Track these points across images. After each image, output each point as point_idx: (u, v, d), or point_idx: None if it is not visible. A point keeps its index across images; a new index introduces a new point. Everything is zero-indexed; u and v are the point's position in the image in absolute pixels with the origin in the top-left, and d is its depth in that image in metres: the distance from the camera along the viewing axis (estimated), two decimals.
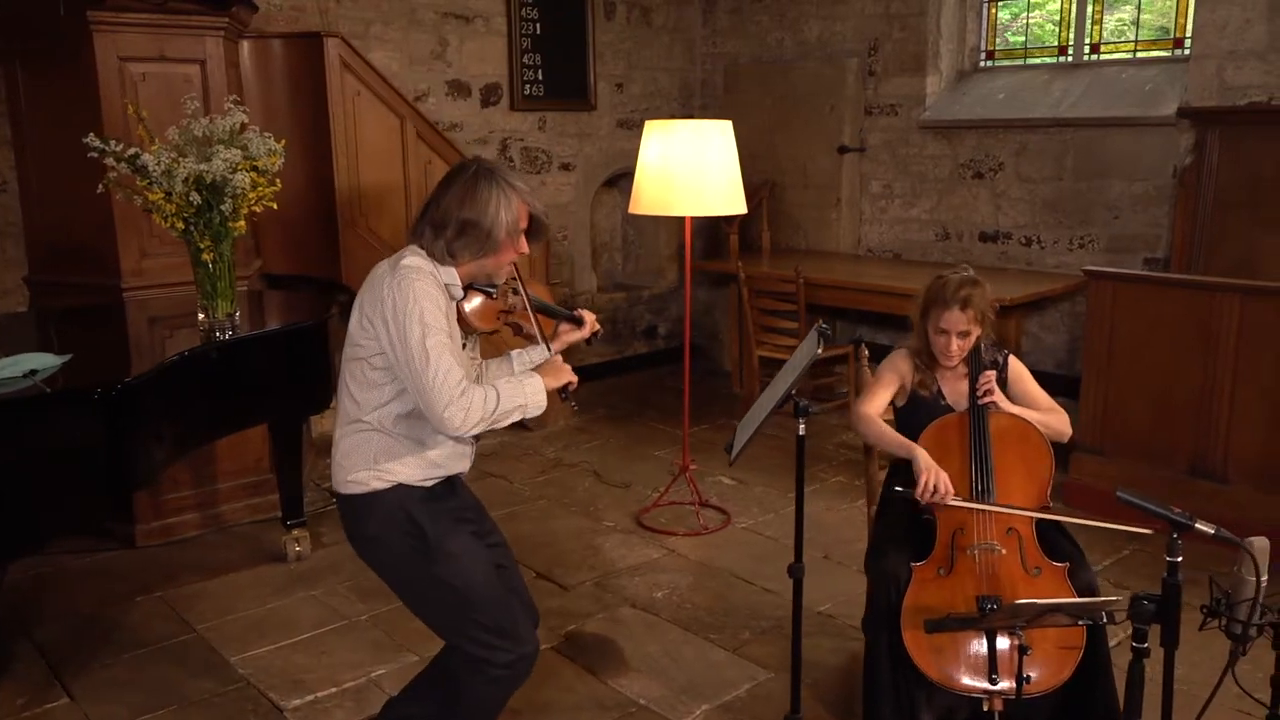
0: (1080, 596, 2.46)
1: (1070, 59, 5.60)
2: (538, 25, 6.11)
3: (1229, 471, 3.88)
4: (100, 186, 3.15)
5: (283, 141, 3.37)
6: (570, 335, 2.52)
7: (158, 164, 3.03)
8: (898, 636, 2.49)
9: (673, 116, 6.76)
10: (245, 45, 4.44)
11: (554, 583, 3.71)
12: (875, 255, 6.26)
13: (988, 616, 2.23)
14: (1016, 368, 2.81)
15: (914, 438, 2.67)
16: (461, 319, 2.29)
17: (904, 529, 2.68)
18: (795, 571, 2.20)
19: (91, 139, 3.07)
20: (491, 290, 2.32)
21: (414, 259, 2.17)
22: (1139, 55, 5.35)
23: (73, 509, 2.69)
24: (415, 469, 2.22)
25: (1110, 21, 5.47)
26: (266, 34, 4.63)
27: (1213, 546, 1.97)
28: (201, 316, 3.30)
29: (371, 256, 3.84)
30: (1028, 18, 5.81)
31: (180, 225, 3.13)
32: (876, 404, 2.77)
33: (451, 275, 2.21)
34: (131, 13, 3.78)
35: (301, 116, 4.57)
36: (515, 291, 2.39)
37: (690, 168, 4.04)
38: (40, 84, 3.95)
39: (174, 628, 3.37)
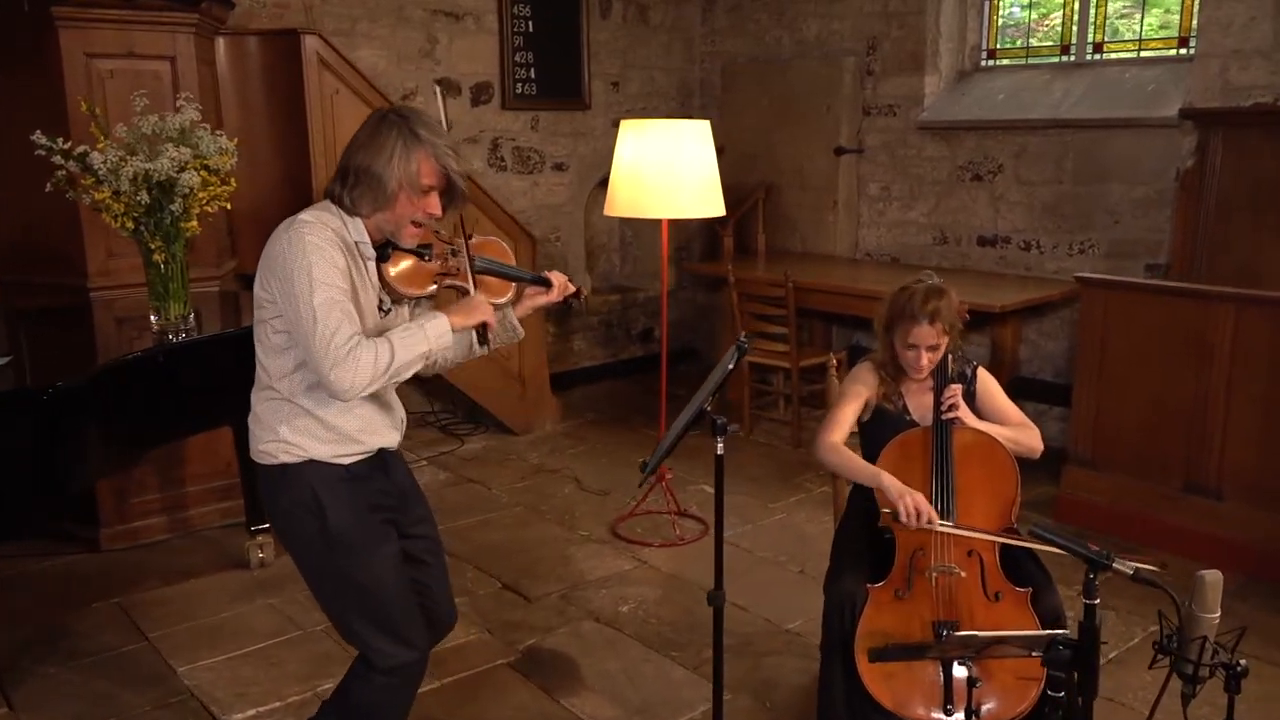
0: (1044, 623, 2.33)
1: (1073, 58, 5.43)
2: (530, 23, 6.01)
3: (1223, 486, 3.72)
4: (49, 185, 3.07)
5: (234, 140, 3.29)
6: (537, 299, 2.29)
7: (104, 162, 2.96)
8: (853, 661, 2.37)
9: (671, 116, 6.64)
10: (221, 42, 4.36)
11: (519, 594, 3.61)
12: (873, 259, 6.12)
13: (934, 647, 2.12)
14: (985, 381, 2.68)
15: (878, 451, 2.55)
16: (383, 281, 2.11)
17: (864, 547, 2.56)
18: (714, 599, 2.07)
19: (38, 136, 3.00)
20: (424, 252, 2.12)
21: (313, 213, 2.03)
22: (1143, 55, 5.19)
23: (8, 512, 2.63)
24: (329, 444, 2.08)
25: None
26: (243, 31, 4.55)
27: (1183, 576, 1.84)
28: (154, 318, 3.23)
29: None
30: (1029, 23, 5.65)
31: (130, 225, 3.07)
32: (841, 431, 2.60)
33: (360, 230, 2.05)
34: (98, 8, 3.72)
35: (278, 115, 4.49)
36: (455, 253, 2.17)
37: (663, 169, 3.94)
38: (3, 80, 3.89)
39: (126, 635, 3.29)
